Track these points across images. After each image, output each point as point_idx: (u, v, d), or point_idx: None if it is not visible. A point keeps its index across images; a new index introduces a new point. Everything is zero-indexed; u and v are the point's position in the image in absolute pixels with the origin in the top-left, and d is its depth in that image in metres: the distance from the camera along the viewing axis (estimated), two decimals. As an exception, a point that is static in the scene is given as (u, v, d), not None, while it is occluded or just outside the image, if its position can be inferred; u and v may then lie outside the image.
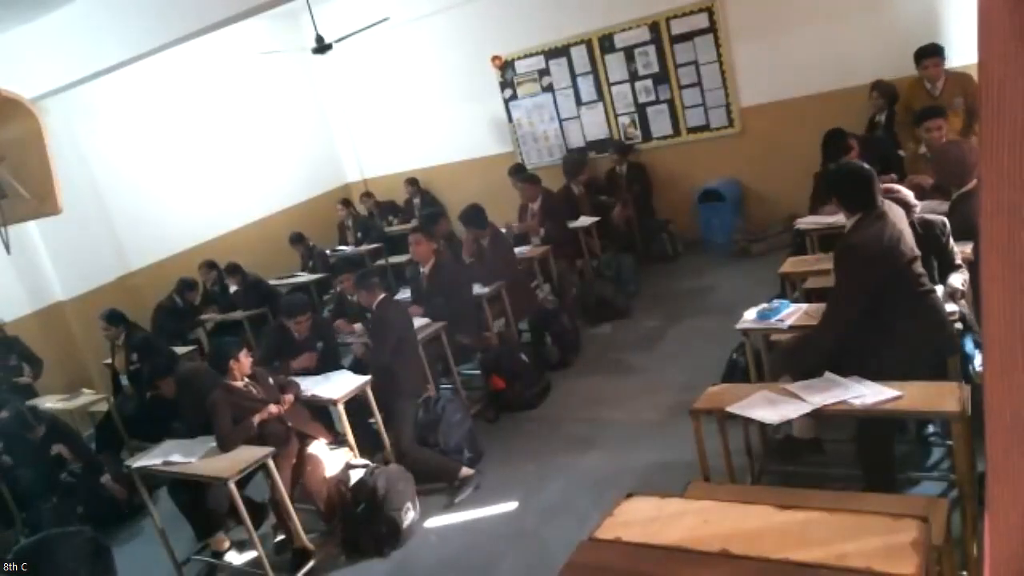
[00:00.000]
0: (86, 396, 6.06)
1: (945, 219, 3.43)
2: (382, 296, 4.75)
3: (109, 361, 6.19)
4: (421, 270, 5.47)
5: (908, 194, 3.44)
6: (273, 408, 3.85)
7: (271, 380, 4.20)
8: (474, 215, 5.82)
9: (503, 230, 6.28)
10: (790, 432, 3.37)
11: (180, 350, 6.22)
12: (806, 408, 2.81)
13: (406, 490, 4.02)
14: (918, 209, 3.44)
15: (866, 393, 2.80)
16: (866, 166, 3.15)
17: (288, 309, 4.82)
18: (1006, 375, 0.88)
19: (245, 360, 4.06)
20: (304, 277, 7.88)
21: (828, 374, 2.97)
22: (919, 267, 3.06)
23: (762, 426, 3.28)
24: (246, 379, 4.08)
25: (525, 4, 7.87)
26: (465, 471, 4.36)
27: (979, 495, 2.58)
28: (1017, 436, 0.90)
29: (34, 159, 2.39)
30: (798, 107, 6.69)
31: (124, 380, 5.91)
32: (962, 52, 5.49)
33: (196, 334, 7.07)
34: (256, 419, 3.86)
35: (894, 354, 2.97)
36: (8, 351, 5.87)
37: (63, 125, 6.62)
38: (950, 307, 3.20)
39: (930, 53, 5.26)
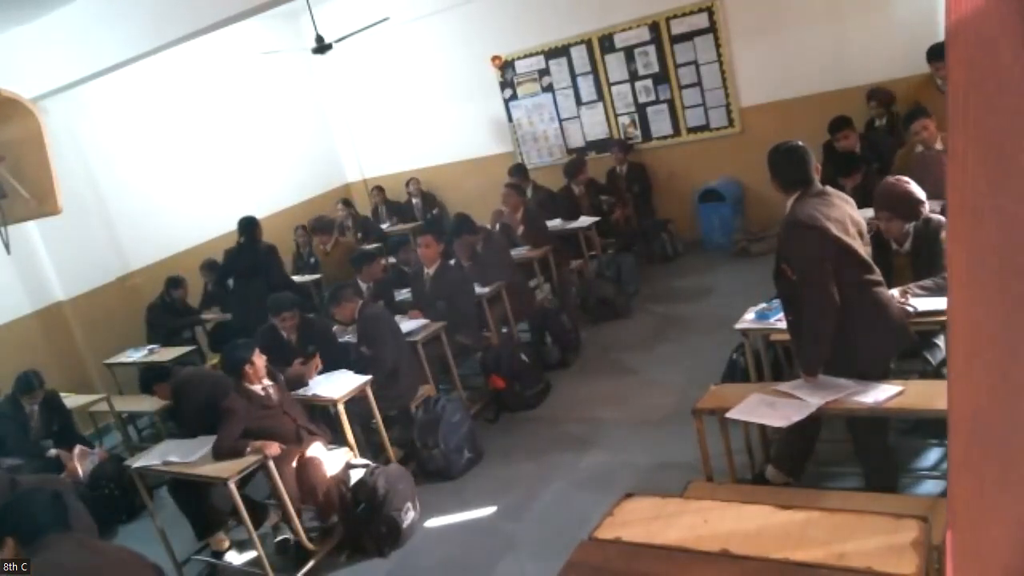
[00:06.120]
0: (86, 396, 6.06)
1: (944, 219, 3.42)
2: (360, 302, 4.76)
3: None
4: (426, 271, 5.47)
5: (916, 189, 3.39)
6: (273, 450, 3.78)
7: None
8: (462, 225, 5.84)
9: (496, 226, 6.27)
10: None
11: (178, 350, 6.22)
12: (808, 409, 2.81)
13: (406, 490, 4.03)
14: (926, 208, 3.41)
15: (866, 392, 2.80)
16: (800, 143, 2.96)
17: (274, 306, 4.78)
18: (969, 373, 0.89)
19: (260, 362, 3.99)
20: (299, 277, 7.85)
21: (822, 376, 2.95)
22: (867, 256, 2.93)
23: (762, 426, 3.28)
24: (263, 382, 4.02)
25: (525, 4, 7.87)
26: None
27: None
28: (978, 434, 0.90)
29: (34, 159, 2.39)
30: (798, 107, 6.68)
31: None
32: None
33: (194, 333, 7.05)
34: (250, 449, 3.76)
35: (842, 348, 2.88)
36: None
37: (63, 125, 6.61)
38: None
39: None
